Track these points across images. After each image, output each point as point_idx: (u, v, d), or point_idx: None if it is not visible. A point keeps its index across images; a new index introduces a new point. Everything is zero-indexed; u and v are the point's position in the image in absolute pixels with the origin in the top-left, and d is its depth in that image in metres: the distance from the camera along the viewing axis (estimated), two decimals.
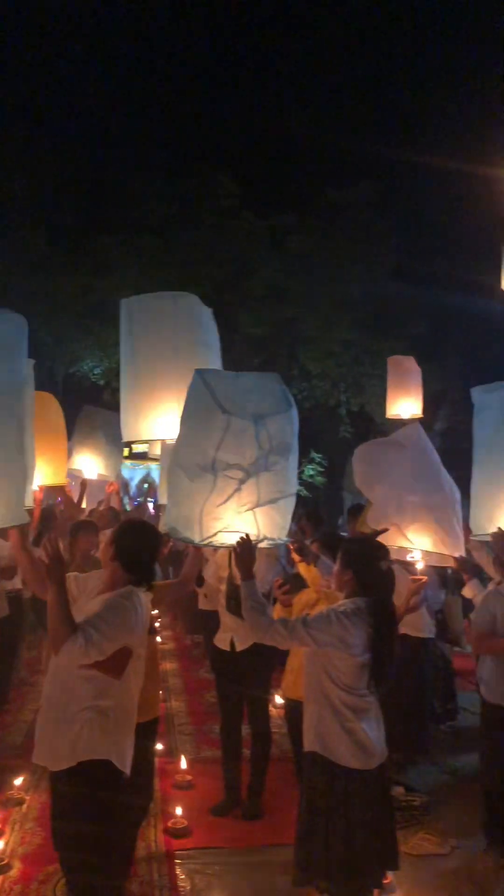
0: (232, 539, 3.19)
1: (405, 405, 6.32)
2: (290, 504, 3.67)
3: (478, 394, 4.20)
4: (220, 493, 3.37)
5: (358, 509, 6.22)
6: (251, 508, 3.40)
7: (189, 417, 3.54)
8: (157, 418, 4.26)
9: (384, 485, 4.73)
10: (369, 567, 3.03)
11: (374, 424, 14.48)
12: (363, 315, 13.42)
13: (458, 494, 4.67)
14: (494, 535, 3.68)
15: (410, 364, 6.32)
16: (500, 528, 3.65)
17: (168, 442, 4.21)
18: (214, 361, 4.53)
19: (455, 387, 15.86)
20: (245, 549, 3.08)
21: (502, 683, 3.99)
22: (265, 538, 3.30)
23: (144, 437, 4.44)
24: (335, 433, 14.94)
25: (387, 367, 12.66)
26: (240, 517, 3.35)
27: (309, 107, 13.67)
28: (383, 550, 3.17)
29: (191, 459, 3.43)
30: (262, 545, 3.23)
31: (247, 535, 3.15)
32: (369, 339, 13.36)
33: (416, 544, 4.48)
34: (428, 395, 14.87)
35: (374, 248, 13.32)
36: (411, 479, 4.59)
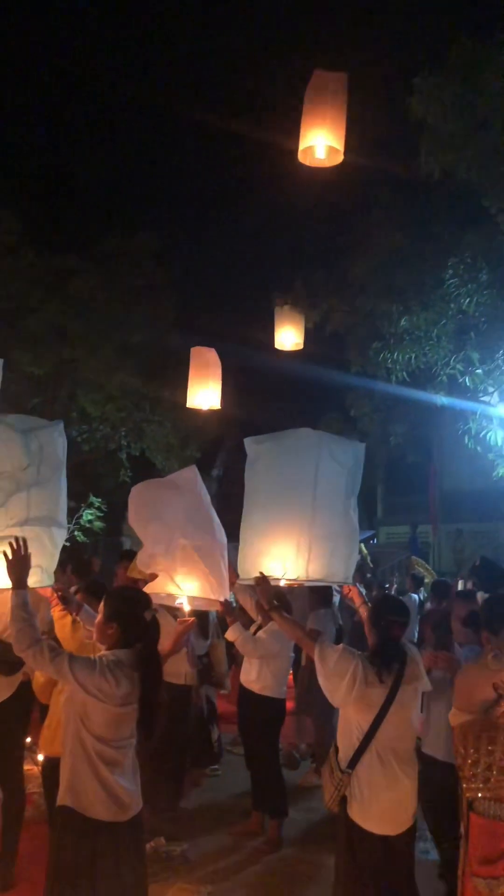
0: None
1: (204, 395, 6.41)
2: (60, 536, 3.62)
3: (250, 444, 4.40)
4: None
5: (129, 555, 6.20)
6: (19, 524, 3.34)
7: None
8: None
9: (156, 525, 4.75)
10: (133, 619, 3.02)
11: (154, 469, 14.60)
12: (145, 361, 13.59)
13: (224, 539, 4.82)
14: (257, 579, 3.84)
15: (211, 356, 6.44)
16: (261, 573, 3.82)
17: None
18: None
19: (231, 434, 16.56)
20: (18, 555, 3.03)
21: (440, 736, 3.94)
22: (35, 574, 3.20)
23: None
24: (115, 477, 14.84)
25: (168, 409, 12.83)
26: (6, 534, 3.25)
27: (95, 150, 13.80)
28: (146, 601, 3.19)
29: None
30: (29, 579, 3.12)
31: (24, 539, 3.09)
32: (150, 385, 13.52)
33: (184, 589, 4.54)
34: (206, 441, 15.37)
35: (155, 297, 13.60)
36: (183, 521, 4.65)
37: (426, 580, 10.38)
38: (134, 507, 4.93)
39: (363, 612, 4.36)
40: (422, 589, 9.52)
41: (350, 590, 4.27)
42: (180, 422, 14.32)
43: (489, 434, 8.35)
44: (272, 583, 3.79)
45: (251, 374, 13.95)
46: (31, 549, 3.12)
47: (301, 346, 8.52)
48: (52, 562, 3.62)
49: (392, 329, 8.77)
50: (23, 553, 3.06)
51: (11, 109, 15.38)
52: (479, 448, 8.66)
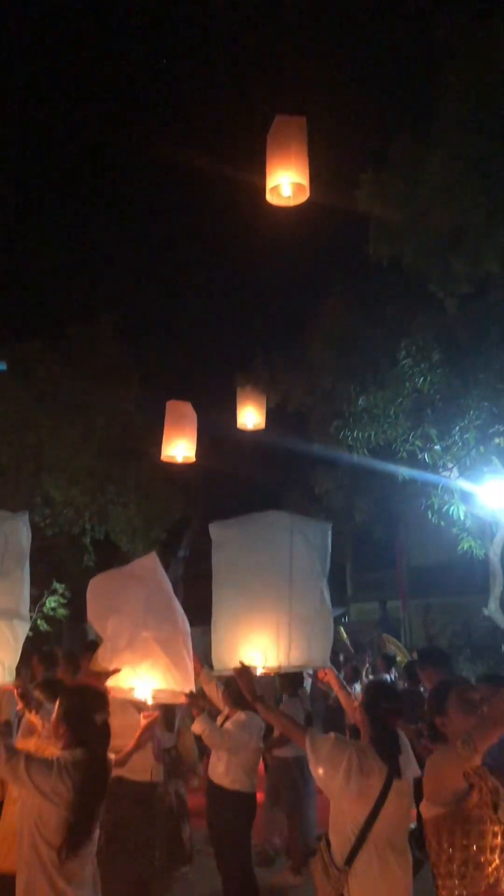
0: None
1: (179, 447, 6.49)
2: (22, 629, 3.55)
3: (215, 529, 4.36)
4: None
5: (93, 646, 6.04)
6: None
7: None
8: None
9: (116, 619, 4.64)
10: (84, 721, 2.95)
11: (119, 553, 14.42)
12: (109, 442, 13.61)
13: (188, 627, 4.71)
14: (238, 669, 3.75)
15: (187, 408, 6.60)
16: (242, 663, 3.75)
17: None
18: None
19: (198, 514, 16.48)
20: None
21: None
22: None
23: None
24: (79, 562, 14.59)
25: (132, 491, 12.74)
26: None
27: (56, 237, 14.14)
28: (100, 702, 3.10)
29: None
30: None
31: None
32: (115, 466, 13.51)
33: (148, 683, 4.42)
34: (171, 522, 15.25)
35: (119, 378, 13.75)
36: (143, 612, 4.53)
37: (398, 659, 10.24)
38: (91, 602, 4.77)
39: (341, 698, 4.29)
40: (393, 668, 9.38)
41: (326, 673, 4.20)
42: (145, 503, 14.25)
43: (451, 508, 8.47)
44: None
45: (215, 452, 14.01)
46: None
47: (263, 426, 8.64)
48: (14, 657, 3.53)
49: (351, 407, 8.97)
50: None
51: None
52: (442, 522, 8.76)
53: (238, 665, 3.68)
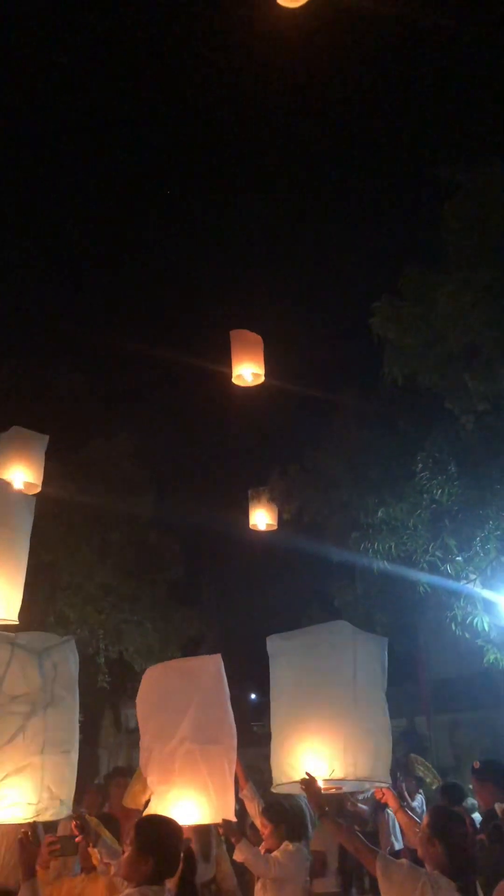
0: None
1: (248, 368, 6.76)
2: (73, 761, 3.55)
3: (273, 641, 4.36)
4: (3, 733, 3.26)
5: (122, 771, 5.81)
6: (39, 751, 3.29)
7: None
8: None
9: (161, 719, 4.26)
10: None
11: (132, 673, 14.11)
12: (123, 560, 13.60)
13: (235, 741, 4.28)
14: (304, 781, 3.66)
15: (251, 335, 6.88)
16: (308, 774, 3.67)
17: None
18: None
19: (213, 630, 16.20)
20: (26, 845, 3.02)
21: None
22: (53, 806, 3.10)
23: None
24: (93, 683, 14.23)
25: (147, 609, 12.63)
26: (29, 769, 3.18)
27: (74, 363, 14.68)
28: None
29: None
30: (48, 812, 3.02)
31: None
32: (129, 584, 13.45)
33: (179, 813, 4.12)
34: (185, 640, 15.01)
35: (133, 495, 13.89)
36: (193, 720, 4.16)
37: (427, 781, 9.75)
38: (143, 691, 4.49)
39: (402, 820, 4.19)
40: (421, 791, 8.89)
41: (385, 793, 4.11)
42: (159, 621, 14.08)
43: (475, 619, 8.36)
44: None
45: (226, 564, 14.01)
46: (51, 781, 3.05)
47: (275, 527, 8.68)
48: (71, 790, 3.47)
49: (369, 519, 9.02)
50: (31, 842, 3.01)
51: None
52: (466, 634, 8.63)
53: (304, 776, 3.62)
